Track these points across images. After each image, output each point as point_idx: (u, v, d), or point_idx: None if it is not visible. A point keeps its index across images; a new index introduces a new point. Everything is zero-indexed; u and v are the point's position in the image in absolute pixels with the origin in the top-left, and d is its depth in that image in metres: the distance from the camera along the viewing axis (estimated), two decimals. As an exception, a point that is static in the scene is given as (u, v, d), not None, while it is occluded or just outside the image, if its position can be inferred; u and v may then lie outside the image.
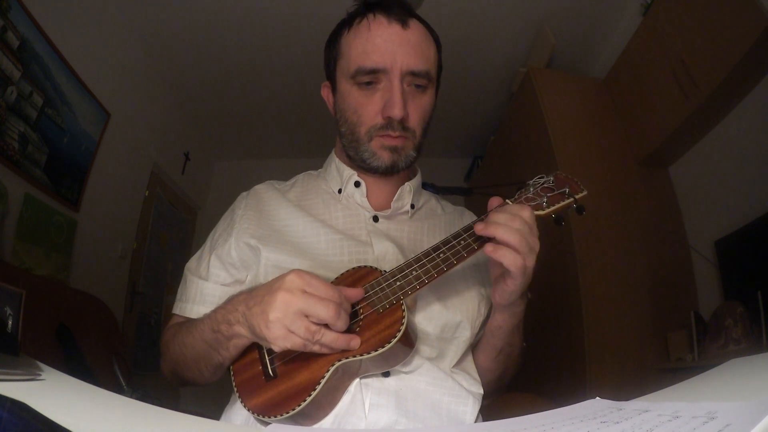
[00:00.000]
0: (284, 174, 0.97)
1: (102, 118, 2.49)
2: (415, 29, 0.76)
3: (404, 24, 0.75)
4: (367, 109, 0.75)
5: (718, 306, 1.76)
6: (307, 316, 0.55)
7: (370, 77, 0.74)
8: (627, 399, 0.44)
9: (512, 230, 0.60)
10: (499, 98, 3.19)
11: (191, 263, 0.82)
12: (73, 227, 2.27)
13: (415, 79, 0.75)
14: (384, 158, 0.76)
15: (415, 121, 0.76)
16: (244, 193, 0.88)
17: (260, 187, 0.88)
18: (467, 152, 3.87)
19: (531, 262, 0.61)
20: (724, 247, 1.84)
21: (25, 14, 1.90)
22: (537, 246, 0.62)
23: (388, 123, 0.74)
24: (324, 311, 0.55)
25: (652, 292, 2.00)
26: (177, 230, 3.63)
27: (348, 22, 0.80)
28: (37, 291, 1.65)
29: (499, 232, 0.60)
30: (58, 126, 2.15)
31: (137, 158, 2.94)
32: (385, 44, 0.73)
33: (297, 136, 3.74)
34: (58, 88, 2.13)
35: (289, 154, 3.89)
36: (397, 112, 0.72)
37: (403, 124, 0.74)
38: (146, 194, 3.09)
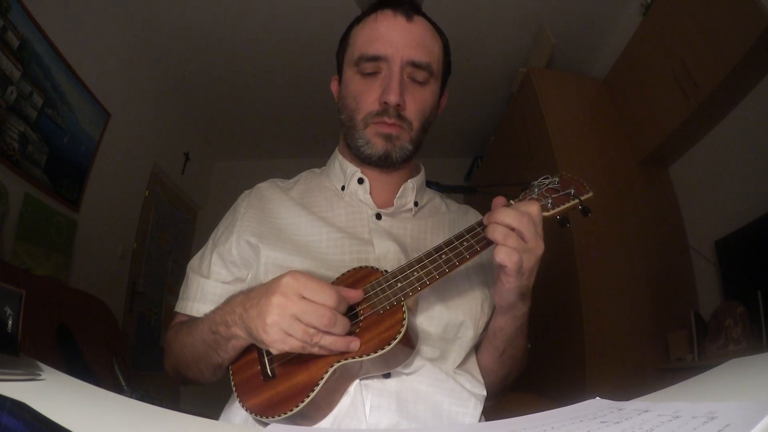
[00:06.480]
0: (284, 174, 0.97)
1: (102, 118, 2.49)
2: (420, 23, 0.78)
3: (409, 18, 0.77)
4: (366, 96, 0.77)
5: (718, 306, 1.76)
6: (301, 322, 0.55)
7: (372, 65, 0.76)
8: (627, 399, 0.44)
9: (508, 233, 0.59)
10: (499, 98, 3.19)
11: (193, 262, 0.81)
12: (73, 227, 2.27)
13: (416, 72, 0.76)
14: (378, 146, 0.77)
15: (412, 111, 0.77)
16: (247, 192, 0.87)
17: (263, 185, 0.88)
18: (467, 152, 3.87)
19: (529, 262, 0.60)
20: (724, 247, 1.84)
21: (25, 14, 1.90)
22: (539, 248, 0.61)
23: (384, 109, 0.75)
24: (318, 319, 0.54)
25: (652, 292, 2.00)
26: (177, 230, 3.63)
27: (360, 18, 0.83)
28: (37, 291, 1.65)
29: (496, 236, 0.59)
30: (58, 126, 2.15)
31: (137, 158, 2.95)
32: (388, 33, 0.76)
33: (297, 136, 3.74)
34: (58, 88, 2.13)
35: (290, 154, 3.89)
36: (393, 98, 0.73)
37: (398, 111, 0.75)
38: (146, 194, 3.09)
